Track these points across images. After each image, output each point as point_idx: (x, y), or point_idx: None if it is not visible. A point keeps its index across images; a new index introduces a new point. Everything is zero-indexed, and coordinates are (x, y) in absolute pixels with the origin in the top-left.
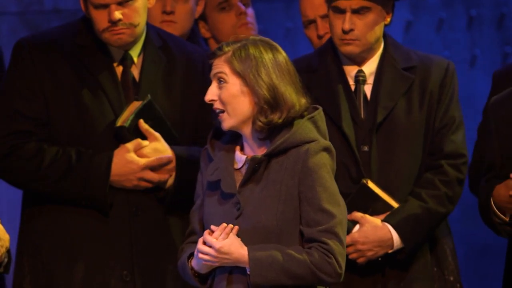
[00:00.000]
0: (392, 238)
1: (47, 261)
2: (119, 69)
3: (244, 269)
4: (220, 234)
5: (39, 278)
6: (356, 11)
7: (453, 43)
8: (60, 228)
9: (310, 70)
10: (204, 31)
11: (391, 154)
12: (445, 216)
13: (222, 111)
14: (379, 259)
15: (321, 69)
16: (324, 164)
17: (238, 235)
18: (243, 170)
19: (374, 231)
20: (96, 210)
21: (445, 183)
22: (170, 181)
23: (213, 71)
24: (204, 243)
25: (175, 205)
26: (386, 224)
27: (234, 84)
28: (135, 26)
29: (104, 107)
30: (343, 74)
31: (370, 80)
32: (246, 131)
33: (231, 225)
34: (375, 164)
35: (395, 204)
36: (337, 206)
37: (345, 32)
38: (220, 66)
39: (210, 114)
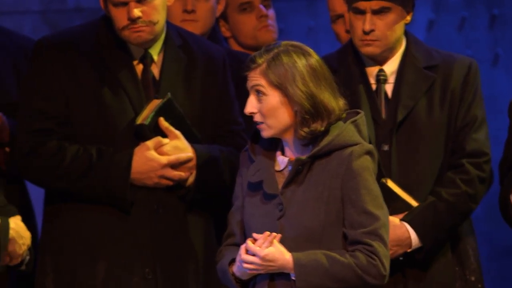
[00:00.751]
0: (410, 237)
1: (69, 260)
2: (139, 68)
3: (287, 274)
4: (263, 242)
5: (62, 277)
6: (376, 12)
7: (475, 42)
8: (81, 227)
9: (331, 70)
10: (224, 30)
11: (412, 154)
12: (467, 215)
13: (262, 123)
14: (401, 258)
15: (341, 69)
16: (368, 167)
17: (281, 235)
18: (285, 172)
19: (392, 230)
20: (117, 208)
21: (466, 181)
22: (191, 179)
23: (250, 83)
24: (247, 251)
25: (196, 203)
26: (404, 223)
27: (273, 96)
28: (155, 24)
29: (125, 106)
30: (364, 74)
31: (392, 79)
32: (288, 138)
33: (274, 233)
34: (395, 164)
35: (414, 203)
36: (380, 208)
37: (365, 32)
38: (256, 78)
39: (229, 112)
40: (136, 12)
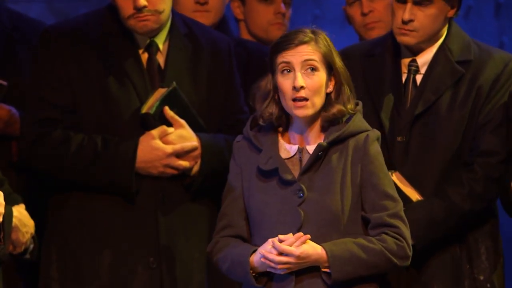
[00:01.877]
0: None
1: (74, 249)
2: (144, 56)
3: (314, 267)
4: (295, 241)
5: (66, 266)
6: (417, 3)
7: (480, 30)
8: (86, 216)
9: (370, 54)
10: (238, 12)
11: (426, 148)
12: (469, 214)
13: (306, 99)
14: None
15: (378, 54)
16: (380, 152)
17: (304, 221)
18: (295, 160)
19: None
20: (123, 197)
21: (472, 180)
22: (196, 168)
23: (301, 58)
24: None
25: (200, 192)
26: None
27: (323, 73)
28: (160, 13)
29: (130, 94)
30: (398, 63)
31: (423, 70)
32: (312, 121)
33: (307, 235)
34: (408, 156)
35: (417, 198)
36: (396, 192)
37: (404, 22)
38: (310, 53)
39: (235, 101)
40: (142, 1)
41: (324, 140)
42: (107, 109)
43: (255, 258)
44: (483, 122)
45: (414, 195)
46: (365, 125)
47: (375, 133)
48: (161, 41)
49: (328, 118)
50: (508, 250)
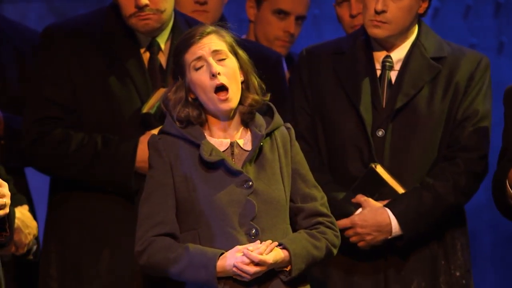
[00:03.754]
0: (390, 224)
1: (73, 248)
2: (146, 56)
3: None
4: (266, 249)
5: (66, 265)
6: None
7: (480, 30)
8: (86, 215)
9: (339, 51)
10: (251, 13)
11: (406, 142)
12: (454, 207)
13: (226, 89)
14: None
15: (349, 52)
16: None
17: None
18: (226, 154)
19: (374, 215)
20: (122, 196)
21: (456, 174)
22: None
23: (209, 49)
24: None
25: None
26: (386, 209)
27: (234, 60)
28: (162, 12)
29: (131, 94)
30: (371, 59)
31: (397, 66)
32: (232, 115)
33: (275, 243)
34: (388, 150)
35: (401, 191)
36: None
37: (377, 12)
38: (216, 43)
39: None
40: (144, 0)
41: (252, 132)
42: (108, 108)
43: (221, 263)
44: (462, 118)
45: (398, 188)
46: (280, 118)
47: (291, 126)
48: (163, 40)
49: (245, 110)
50: (503, 246)
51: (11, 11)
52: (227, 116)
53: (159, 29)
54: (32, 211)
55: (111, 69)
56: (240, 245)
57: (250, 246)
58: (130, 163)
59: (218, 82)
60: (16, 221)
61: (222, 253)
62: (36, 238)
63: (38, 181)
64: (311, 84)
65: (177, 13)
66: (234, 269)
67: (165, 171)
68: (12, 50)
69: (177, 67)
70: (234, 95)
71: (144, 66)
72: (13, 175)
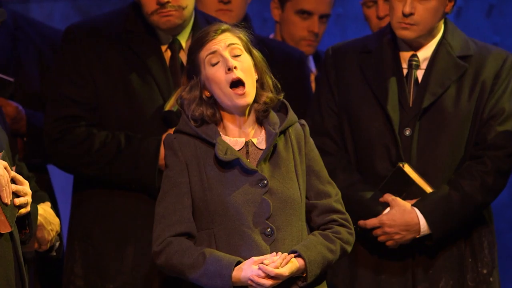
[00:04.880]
0: (419, 223)
1: (97, 245)
2: (167, 54)
3: None
4: (282, 263)
5: (90, 262)
6: None
7: (503, 28)
8: (110, 212)
9: (365, 50)
10: (275, 14)
11: (434, 141)
12: (482, 206)
13: (243, 84)
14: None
15: (376, 50)
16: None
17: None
18: (242, 153)
19: (402, 215)
20: (145, 194)
21: (484, 173)
22: None
23: (225, 44)
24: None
25: None
26: (415, 208)
27: (249, 57)
28: (183, 9)
29: (153, 92)
30: (398, 58)
31: (424, 65)
32: (247, 114)
33: (291, 255)
34: (415, 149)
35: (429, 190)
36: None
37: (405, 15)
38: (231, 39)
39: None
40: None
41: (266, 130)
42: (130, 106)
43: (236, 274)
44: (489, 117)
45: (426, 187)
46: (295, 114)
47: (306, 122)
48: (184, 39)
49: (260, 108)
50: None
51: (37, 11)
52: (243, 112)
53: (180, 27)
54: (54, 208)
55: (133, 67)
56: (255, 244)
57: (266, 259)
58: (153, 160)
59: (234, 76)
60: (39, 217)
61: (238, 262)
62: (59, 234)
63: (61, 179)
64: (337, 83)
65: (197, 11)
66: (250, 282)
67: (181, 170)
68: (33, 48)
69: (192, 65)
70: (250, 90)
71: (165, 64)
72: (36, 172)
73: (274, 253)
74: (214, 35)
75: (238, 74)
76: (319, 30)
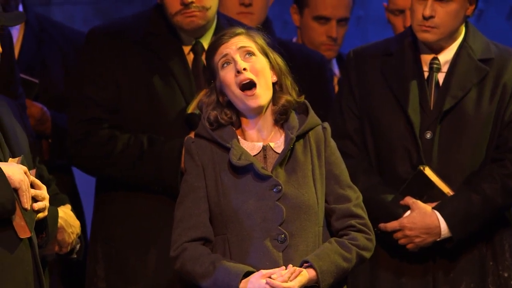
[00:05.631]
0: (439, 226)
1: (120, 247)
2: (190, 57)
3: None
4: (290, 277)
5: (112, 264)
6: None
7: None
8: (132, 215)
9: (386, 53)
10: (295, 19)
11: (455, 144)
12: (502, 208)
13: (254, 85)
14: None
15: (397, 53)
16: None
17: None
18: (259, 157)
19: (422, 218)
20: (168, 196)
21: (505, 176)
22: None
23: (236, 46)
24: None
25: None
26: (435, 211)
27: (263, 58)
28: (207, 9)
29: (175, 95)
30: (419, 61)
31: (445, 68)
32: (265, 116)
33: (300, 269)
34: (436, 152)
35: (450, 193)
36: None
37: (425, 18)
38: (244, 41)
39: None
40: None
41: (285, 134)
42: (152, 108)
43: (243, 286)
44: (510, 120)
45: (447, 190)
46: (317, 118)
47: (327, 125)
48: (206, 41)
49: (278, 111)
50: None
51: (58, 13)
52: (257, 114)
53: (203, 28)
54: (80, 209)
55: (155, 70)
56: (266, 250)
57: (275, 273)
58: (176, 162)
59: (243, 78)
60: (59, 220)
61: (248, 272)
62: (80, 237)
63: (87, 181)
64: (358, 86)
65: (219, 14)
66: None
67: (198, 175)
68: (57, 50)
69: (209, 70)
70: (262, 91)
71: (188, 67)
72: (61, 173)
73: (283, 266)
74: (227, 39)
75: (248, 75)
76: (337, 34)
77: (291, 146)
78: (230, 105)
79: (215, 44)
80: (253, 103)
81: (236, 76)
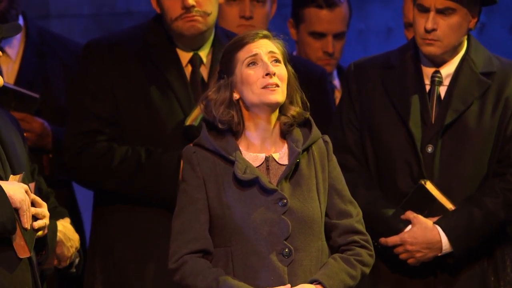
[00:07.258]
0: (441, 241)
1: (118, 261)
2: (188, 69)
3: None
4: None
5: (111, 278)
6: (440, 11)
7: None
8: (130, 228)
9: (388, 66)
10: (292, 33)
11: (456, 158)
12: (504, 223)
13: (277, 85)
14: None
15: (398, 66)
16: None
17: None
18: (261, 169)
19: (424, 233)
20: (166, 209)
21: (506, 190)
22: None
23: (266, 50)
24: None
25: None
26: (437, 226)
27: (285, 67)
28: (208, 15)
29: (174, 107)
30: (420, 74)
31: (447, 81)
32: (273, 126)
33: (309, 285)
34: (437, 166)
35: (451, 207)
36: None
37: (427, 31)
38: (273, 46)
39: None
40: (191, 0)
41: (289, 146)
42: (150, 121)
43: None
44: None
45: (448, 204)
46: (318, 131)
47: (329, 138)
48: (204, 54)
49: (287, 121)
50: None
51: (58, 26)
52: (271, 111)
53: (202, 38)
54: (79, 223)
55: (153, 82)
56: (272, 265)
57: None
58: (174, 175)
59: (272, 81)
60: (58, 234)
61: None
62: (79, 251)
63: (87, 195)
64: (359, 98)
65: (217, 27)
66: None
67: (198, 186)
68: (58, 63)
69: (225, 65)
70: (282, 92)
71: (186, 79)
72: (61, 188)
73: (289, 285)
74: (255, 38)
75: (275, 80)
76: (334, 49)
77: (298, 160)
78: (239, 107)
79: (241, 41)
80: (272, 98)
81: (263, 77)
